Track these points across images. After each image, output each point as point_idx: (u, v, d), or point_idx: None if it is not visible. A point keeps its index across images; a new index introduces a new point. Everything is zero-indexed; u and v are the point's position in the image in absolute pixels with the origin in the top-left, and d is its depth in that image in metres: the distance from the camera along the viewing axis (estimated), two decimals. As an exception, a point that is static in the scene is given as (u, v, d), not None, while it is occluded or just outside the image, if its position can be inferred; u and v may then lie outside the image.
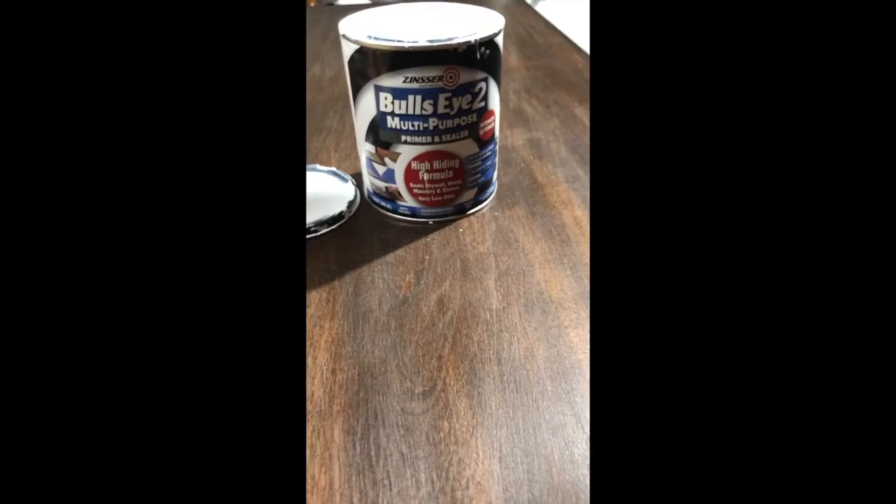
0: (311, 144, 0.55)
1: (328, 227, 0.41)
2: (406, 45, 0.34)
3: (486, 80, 0.37)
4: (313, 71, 0.75)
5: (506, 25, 0.92)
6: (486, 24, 0.37)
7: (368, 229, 0.42)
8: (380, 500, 0.24)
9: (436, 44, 0.34)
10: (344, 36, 0.36)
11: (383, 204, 0.43)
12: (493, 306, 0.35)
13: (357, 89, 0.38)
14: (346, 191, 0.45)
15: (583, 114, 0.59)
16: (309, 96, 0.66)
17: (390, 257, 0.39)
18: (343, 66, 0.76)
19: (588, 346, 0.32)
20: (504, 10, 1.01)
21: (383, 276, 0.37)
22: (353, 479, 0.25)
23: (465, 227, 0.42)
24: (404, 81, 0.35)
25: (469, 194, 0.42)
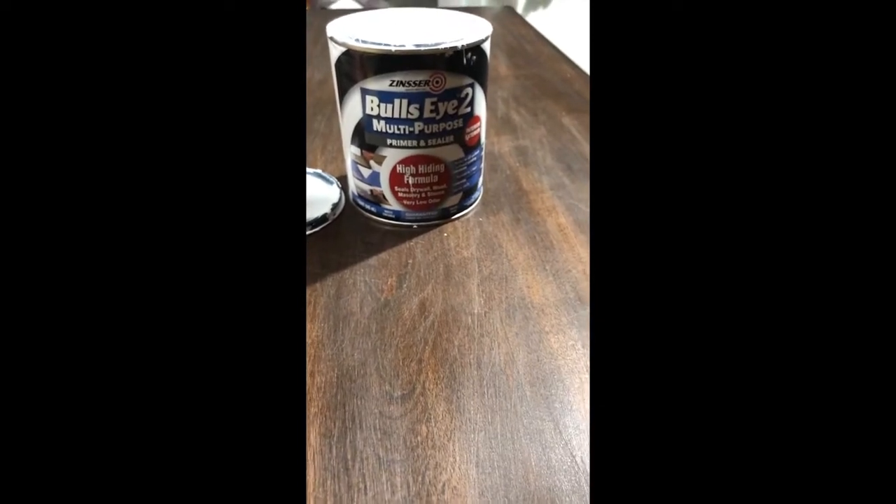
0: (298, 146, 0.55)
1: (312, 229, 0.41)
2: (393, 48, 0.34)
3: (472, 85, 0.37)
4: (303, 74, 0.75)
5: (496, 34, 0.93)
6: (473, 30, 0.37)
7: (352, 232, 0.42)
8: (354, 505, 0.24)
9: (423, 48, 0.34)
10: (331, 38, 0.36)
11: (368, 207, 0.43)
12: (475, 311, 0.35)
13: (343, 92, 0.38)
14: (331, 193, 0.45)
15: (570, 123, 0.60)
16: (297, 99, 0.66)
17: (373, 260, 0.39)
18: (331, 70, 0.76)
19: (567, 352, 0.32)
20: (495, 20, 1.02)
21: (365, 279, 0.37)
22: (328, 482, 0.25)
23: (449, 232, 0.42)
24: (391, 85, 0.35)
25: (454, 199, 0.42)
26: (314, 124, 0.60)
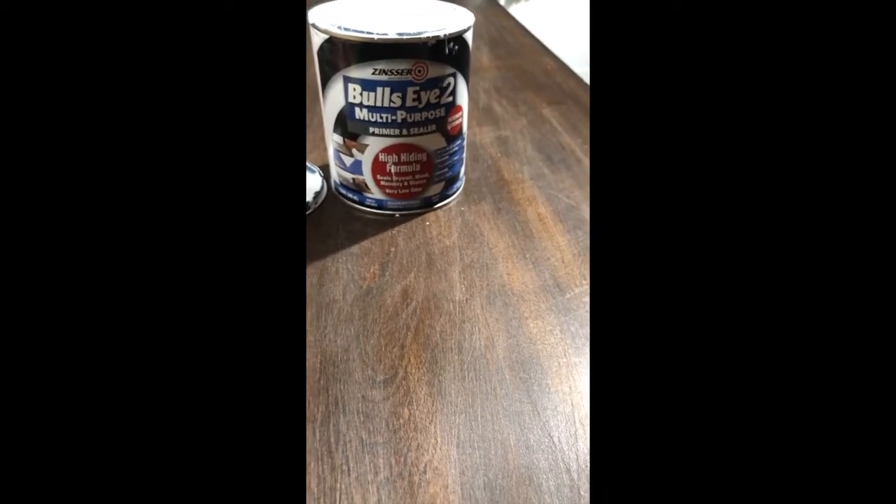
0: (279, 135, 0.55)
1: (293, 216, 0.41)
2: (376, 36, 0.34)
3: (454, 75, 0.38)
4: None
5: (478, 25, 0.93)
6: (455, 20, 0.37)
7: (334, 220, 0.42)
8: (338, 486, 0.25)
9: (405, 37, 0.34)
10: (313, 25, 0.36)
11: (350, 196, 0.43)
12: (457, 298, 0.35)
13: (326, 79, 0.38)
14: (313, 182, 0.45)
15: (550, 114, 0.61)
16: (278, 86, 0.66)
17: (356, 249, 0.39)
18: (311, 57, 0.75)
19: (546, 337, 0.33)
20: (477, 11, 1.02)
21: (348, 267, 0.37)
22: (312, 465, 0.25)
23: (431, 221, 0.43)
24: (373, 73, 0.35)
25: (436, 188, 0.43)
26: (295, 113, 0.59)
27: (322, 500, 0.24)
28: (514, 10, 1.17)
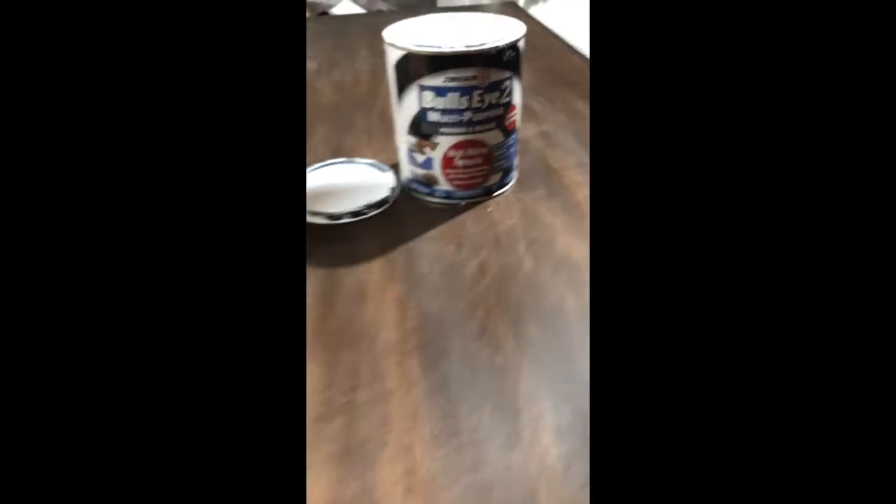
0: (346, 142, 0.61)
1: (377, 209, 0.48)
2: (447, 50, 0.40)
3: (511, 78, 0.44)
4: (332, 76, 0.81)
5: (505, 30, 0.98)
6: (510, 30, 0.43)
7: (410, 211, 0.48)
8: (456, 414, 0.31)
9: (472, 49, 0.40)
10: (391, 44, 0.43)
11: (421, 189, 0.49)
12: (526, 268, 0.41)
13: (402, 89, 0.44)
14: (387, 179, 0.51)
15: (585, 109, 0.66)
16: (334, 98, 0.73)
17: (433, 233, 0.45)
18: (359, 72, 0.82)
19: (609, 296, 0.38)
20: (498, 13, 1.08)
21: (429, 248, 0.44)
22: (432, 398, 0.31)
23: (493, 207, 0.48)
24: (444, 81, 0.42)
25: (495, 178, 0.49)
26: (355, 121, 0.66)
27: (444, 446, 0.30)
28: (534, 11, 1.23)
